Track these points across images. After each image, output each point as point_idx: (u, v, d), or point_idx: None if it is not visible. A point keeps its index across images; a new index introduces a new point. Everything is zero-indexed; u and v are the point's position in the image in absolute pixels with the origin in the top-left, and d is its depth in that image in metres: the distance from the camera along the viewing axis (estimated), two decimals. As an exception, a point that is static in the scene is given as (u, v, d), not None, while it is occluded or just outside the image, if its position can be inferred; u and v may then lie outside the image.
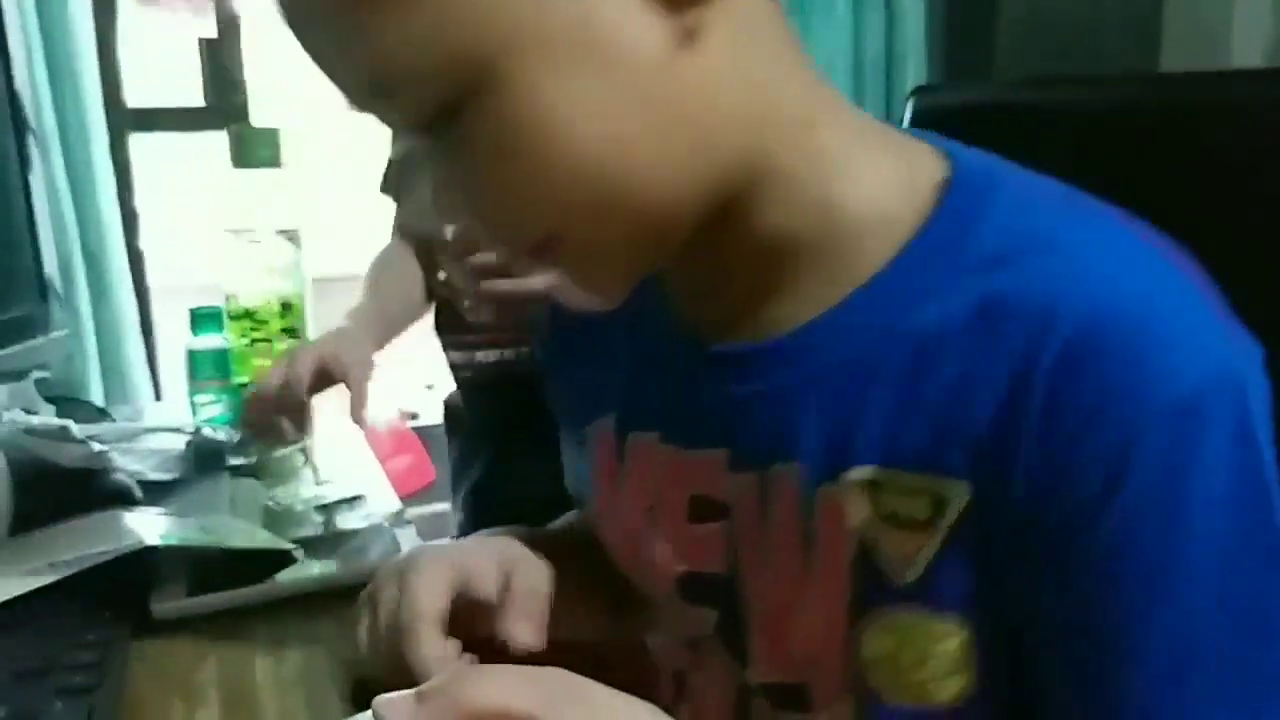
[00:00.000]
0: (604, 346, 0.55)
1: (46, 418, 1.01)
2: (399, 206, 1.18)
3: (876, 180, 0.44)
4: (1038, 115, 0.52)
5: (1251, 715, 0.38)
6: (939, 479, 0.40)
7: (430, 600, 0.50)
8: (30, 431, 0.91)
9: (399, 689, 0.48)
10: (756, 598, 0.47)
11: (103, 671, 0.59)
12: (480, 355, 1.05)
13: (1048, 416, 0.37)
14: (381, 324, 1.04)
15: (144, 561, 0.73)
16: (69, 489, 0.83)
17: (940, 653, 0.42)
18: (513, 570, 0.53)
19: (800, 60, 0.44)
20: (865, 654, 0.43)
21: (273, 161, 1.21)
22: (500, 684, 0.36)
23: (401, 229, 1.17)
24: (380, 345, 1.02)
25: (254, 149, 1.20)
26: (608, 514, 0.56)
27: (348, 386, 0.94)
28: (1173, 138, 0.62)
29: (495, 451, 1.13)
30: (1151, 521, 0.37)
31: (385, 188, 1.20)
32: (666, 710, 0.51)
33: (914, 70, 1.94)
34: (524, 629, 0.51)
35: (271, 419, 0.92)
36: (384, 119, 0.43)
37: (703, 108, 0.41)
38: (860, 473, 0.42)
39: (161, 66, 1.75)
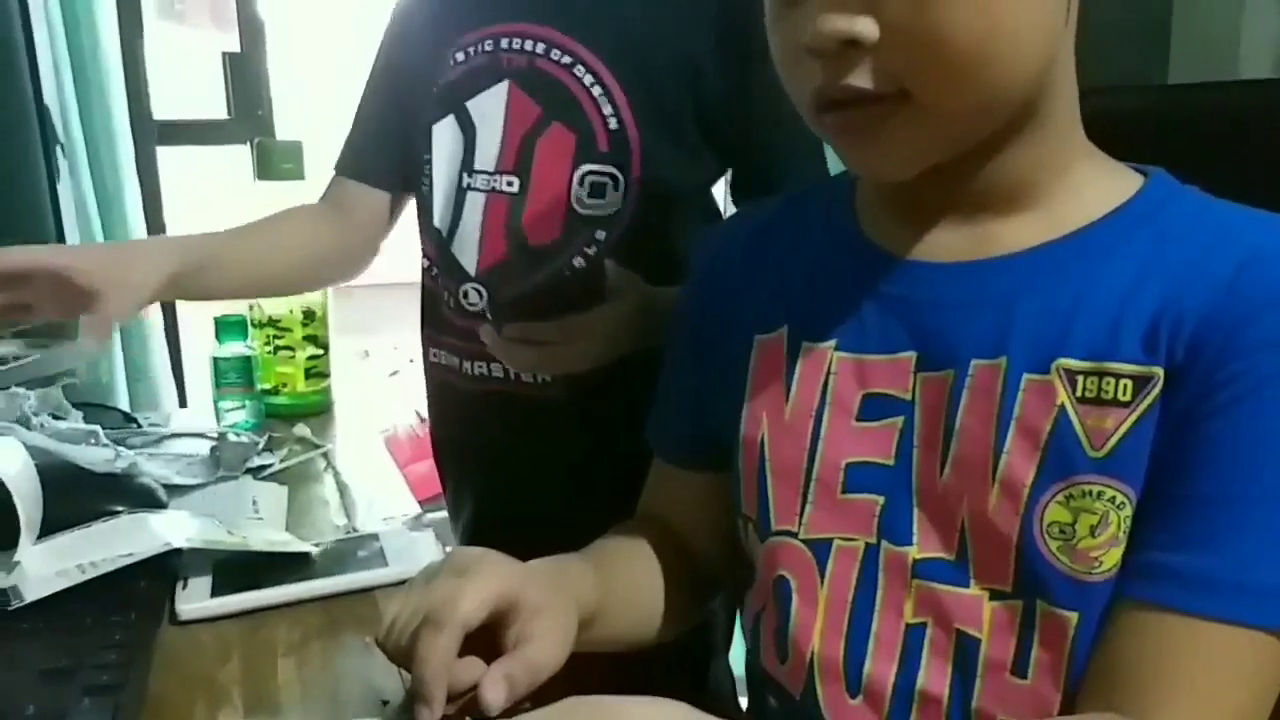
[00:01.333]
0: (774, 273, 0.63)
1: (74, 423, 1.03)
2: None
3: (1098, 163, 0.55)
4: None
5: None
6: (1141, 366, 0.48)
7: (470, 608, 0.50)
8: (59, 436, 0.93)
9: (403, 668, 0.49)
10: (928, 480, 0.54)
11: (128, 671, 0.61)
12: (467, 365, 0.92)
13: (1237, 309, 0.47)
14: (194, 255, 0.86)
15: (169, 563, 0.74)
16: (96, 492, 0.84)
17: (1114, 520, 0.49)
18: (535, 636, 0.52)
19: None
20: (1045, 520, 0.50)
21: (296, 174, 1.23)
22: None
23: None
24: (183, 280, 0.84)
25: (277, 162, 1.22)
26: (764, 418, 0.60)
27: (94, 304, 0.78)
28: (1182, 148, 0.63)
29: (488, 470, 0.98)
30: None
31: (341, 166, 1.00)
32: (759, 617, 0.61)
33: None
34: (497, 692, 0.49)
35: None
36: None
37: (1061, 44, 0.50)
38: (1069, 363, 0.50)
39: (186, 80, 1.77)
